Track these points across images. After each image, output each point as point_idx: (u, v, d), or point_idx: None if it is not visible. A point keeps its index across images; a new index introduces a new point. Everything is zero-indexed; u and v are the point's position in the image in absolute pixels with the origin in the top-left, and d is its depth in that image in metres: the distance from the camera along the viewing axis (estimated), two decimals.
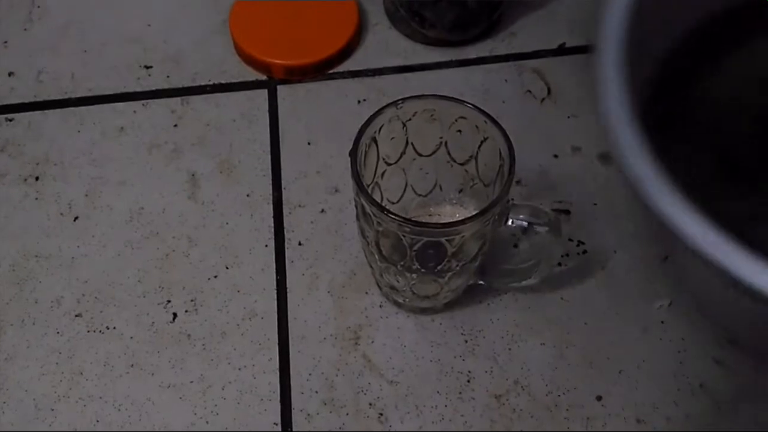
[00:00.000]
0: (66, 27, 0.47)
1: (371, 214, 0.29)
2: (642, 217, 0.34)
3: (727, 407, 0.35)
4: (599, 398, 0.35)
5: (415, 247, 0.29)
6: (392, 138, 0.32)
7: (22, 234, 0.39)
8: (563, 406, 0.34)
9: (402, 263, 0.31)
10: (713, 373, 0.35)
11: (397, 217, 0.28)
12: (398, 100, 0.31)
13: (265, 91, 0.44)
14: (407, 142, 0.33)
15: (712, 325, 0.35)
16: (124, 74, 0.45)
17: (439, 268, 0.31)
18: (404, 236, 0.29)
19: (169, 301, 0.37)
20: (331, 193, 0.40)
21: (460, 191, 0.35)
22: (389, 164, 0.34)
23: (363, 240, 0.33)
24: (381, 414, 0.34)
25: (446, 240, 0.29)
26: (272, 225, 0.39)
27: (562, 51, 0.45)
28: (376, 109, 0.31)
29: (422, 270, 0.31)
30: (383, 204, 0.31)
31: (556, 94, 0.44)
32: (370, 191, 0.31)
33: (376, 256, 0.32)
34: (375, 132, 0.31)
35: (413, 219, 0.28)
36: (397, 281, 0.33)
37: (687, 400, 0.35)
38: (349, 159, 0.30)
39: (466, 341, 0.36)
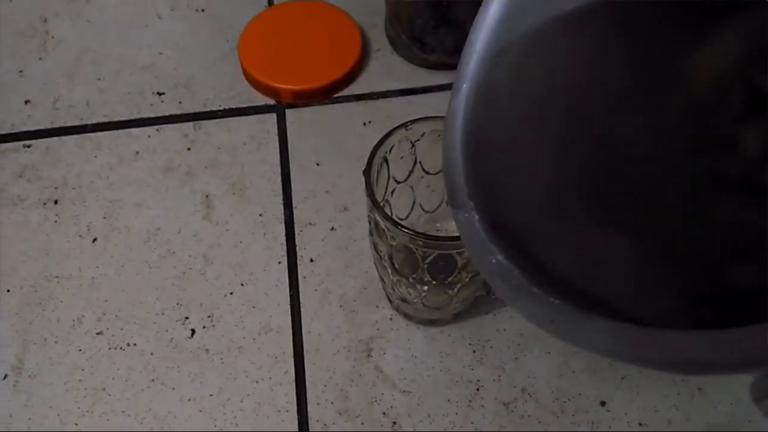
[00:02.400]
0: (80, 56, 0.49)
1: (385, 229, 0.31)
2: None
3: (724, 410, 0.36)
4: (603, 403, 0.36)
5: (428, 260, 0.31)
6: (401, 157, 0.34)
7: (42, 256, 0.40)
8: (569, 411, 0.36)
9: (414, 276, 0.33)
10: (711, 377, 0.37)
11: (410, 231, 0.29)
12: (407, 121, 0.33)
13: (274, 114, 0.46)
14: (416, 161, 0.35)
15: None
16: (138, 101, 0.47)
17: (449, 279, 0.32)
18: (417, 249, 0.31)
19: (187, 318, 0.38)
20: (340, 211, 0.42)
21: None
22: (398, 182, 0.35)
23: (376, 254, 0.34)
24: (395, 422, 0.35)
25: (457, 252, 0.31)
26: (284, 243, 0.41)
27: None
28: (381, 131, 0.33)
29: (433, 282, 0.33)
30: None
31: None
32: None
33: (389, 270, 0.33)
34: (386, 152, 0.33)
35: (426, 233, 0.29)
36: (409, 293, 0.35)
37: (686, 404, 0.36)
38: (356, 178, 0.31)
39: (474, 351, 0.37)
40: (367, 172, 0.31)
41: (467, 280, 0.33)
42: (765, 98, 0.26)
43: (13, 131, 0.45)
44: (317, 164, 0.44)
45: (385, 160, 0.33)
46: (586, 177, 0.26)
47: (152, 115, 0.46)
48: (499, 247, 0.22)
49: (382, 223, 0.30)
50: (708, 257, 0.24)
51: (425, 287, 0.33)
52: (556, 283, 0.21)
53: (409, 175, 0.35)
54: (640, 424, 0.36)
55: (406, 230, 0.29)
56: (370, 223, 0.33)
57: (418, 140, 0.34)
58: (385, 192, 0.35)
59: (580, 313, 0.20)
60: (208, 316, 0.38)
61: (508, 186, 0.25)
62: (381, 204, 0.34)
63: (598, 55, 0.26)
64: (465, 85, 0.25)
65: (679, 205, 0.26)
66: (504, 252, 0.22)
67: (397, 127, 0.33)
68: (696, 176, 0.27)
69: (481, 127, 0.25)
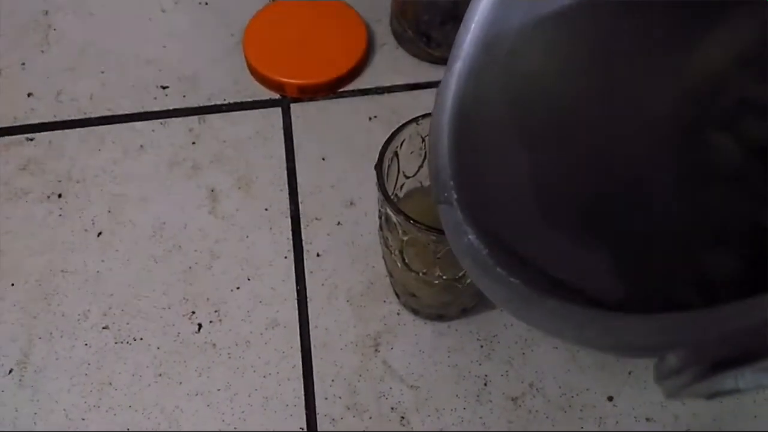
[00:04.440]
0: (83, 49, 0.48)
1: (397, 223, 0.31)
2: None
3: (730, 405, 0.36)
4: (611, 398, 0.36)
5: (440, 255, 0.31)
6: (411, 152, 0.34)
7: (47, 250, 0.40)
8: (577, 406, 0.36)
9: (425, 271, 0.33)
10: None
11: (423, 226, 0.29)
12: (418, 116, 0.33)
13: (279, 109, 0.46)
14: (425, 156, 0.35)
15: None
16: (142, 94, 0.46)
17: (460, 274, 0.32)
18: (429, 244, 0.30)
19: (193, 312, 0.38)
20: (346, 206, 0.42)
21: None
22: (408, 177, 0.35)
23: (386, 249, 0.34)
24: (403, 417, 0.35)
25: None
26: (291, 237, 0.41)
27: None
28: (387, 125, 0.33)
29: (444, 277, 0.33)
30: None
31: None
32: None
33: (399, 265, 0.33)
34: (397, 147, 0.32)
35: (439, 227, 0.29)
36: (419, 288, 0.35)
37: (694, 399, 0.36)
38: (362, 173, 0.31)
39: (482, 346, 0.37)
40: (378, 167, 0.31)
41: None
42: (759, 98, 0.26)
43: (16, 124, 0.45)
44: (323, 159, 0.44)
45: (396, 155, 0.33)
46: (569, 167, 0.27)
47: (156, 109, 0.46)
48: (472, 228, 0.23)
49: (394, 218, 0.30)
50: (691, 243, 0.25)
51: (436, 282, 0.33)
52: (522, 266, 0.22)
53: (419, 170, 0.35)
54: (648, 420, 0.36)
55: (419, 225, 0.29)
56: (380, 218, 0.33)
57: (428, 135, 0.33)
58: (395, 187, 0.34)
59: (534, 294, 0.21)
60: (215, 311, 0.38)
61: (489, 171, 0.26)
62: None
63: (592, 48, 0.27)
64: (457, 68, 0.26)
65: (664, 196, 0.27)
66: (476, 233, 0.23)
67: (408, 122, 0.33)
68: (682, 170, 0.27)
69: (469, 111, 0.26)
